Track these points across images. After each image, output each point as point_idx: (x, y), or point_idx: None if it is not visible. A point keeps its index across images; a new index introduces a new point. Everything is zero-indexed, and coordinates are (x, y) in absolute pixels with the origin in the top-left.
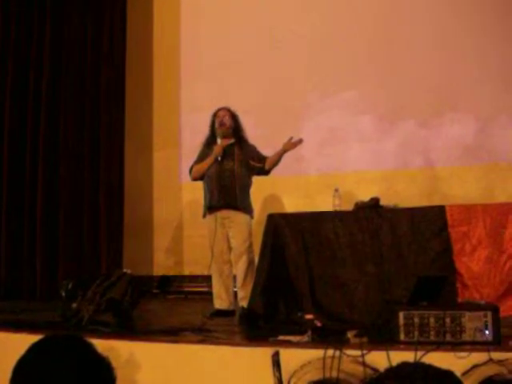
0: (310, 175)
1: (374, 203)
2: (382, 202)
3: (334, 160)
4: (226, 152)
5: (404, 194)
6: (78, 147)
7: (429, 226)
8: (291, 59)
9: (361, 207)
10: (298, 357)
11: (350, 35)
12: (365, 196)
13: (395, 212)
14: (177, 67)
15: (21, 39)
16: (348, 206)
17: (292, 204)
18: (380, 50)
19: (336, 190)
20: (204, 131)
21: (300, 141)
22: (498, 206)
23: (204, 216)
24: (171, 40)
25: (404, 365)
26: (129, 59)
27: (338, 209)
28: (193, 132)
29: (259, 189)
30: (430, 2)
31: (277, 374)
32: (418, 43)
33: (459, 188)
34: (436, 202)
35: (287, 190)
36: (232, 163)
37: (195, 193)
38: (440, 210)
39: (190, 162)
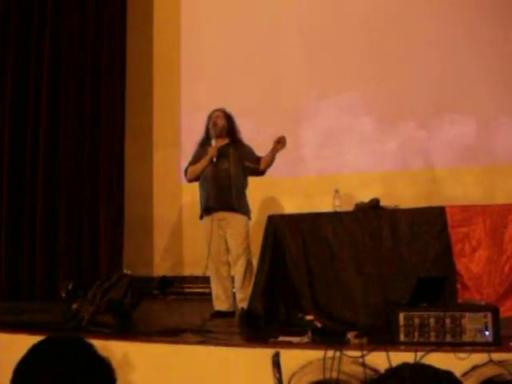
0: (310, 176)
1: (374, 204)
2: (382, 203)
3: (334, 161)
4: (221, 153)
5: (404, 195)
6: (78, 148)
7: (429, 226)
8: (291, 60)
9: (361, 208)
10: (298, 358)
11: (349, 36)
12: (365, 197)
13: (395, 213)
14: (177, 67)
15: (20, 38)
16: (348, 207)
17: (292, 205)
18: (380, 51)
19: (336, 191)
20: (204, 131)
21: (283, 138)
22: (497, 206)
23: (201, 217)
24: (171, 40)
25: (404, 366)
26: (129, 59)
27: (338, 210)
28: (193, 132)
29: (259, 190)
30: (430, 2)
31: (277, 374)
32: (417, 44)
33: (459, 189)
34: (436, 202)
35: (287, 191)
36: (227, 164)
37: (195, 193)
38: (440, 211)
39: None
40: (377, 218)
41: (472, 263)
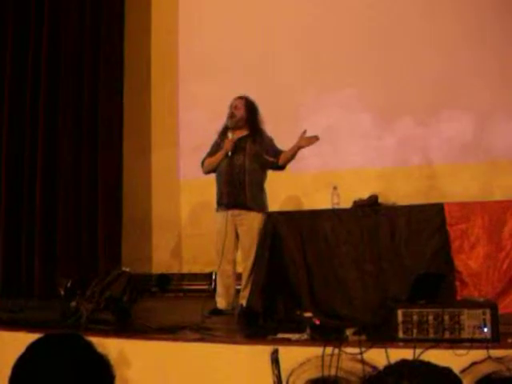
0: (308, 173)
1: (373, 201)
2: (381, 200)
3: (333, 158)
4: (237, 146)
5: (402, 192)
6: (76, 146)
7: (427, 223)
8: (289, 57)
9: (359, 205)
10: (296, 355)
11: (348, 33)
12: (363, 194)
13: (393, 210)
14: (175, 65)
15: (18, 40)
16: (346, 204)
17: (290, 202)
18: (378, 48)
19: (334, 188)
20: (202, 130)
21: (316, 138)
22: (496, 203)
23: (217, 211)
24: (169, 38)
25: (403, 362)
26: (127, 57)
27: (336, 207)
28: (191, 131)
29: None
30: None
31: (276, 371)
32: (415, 40)
33: (457, 186)
34: (434, 199)
35: (286, 188)
36: (243, 158)
37: (194, 191)
38: (438, 208)
39: (189, 161)
40: (375, 215)
41: (470, 260)
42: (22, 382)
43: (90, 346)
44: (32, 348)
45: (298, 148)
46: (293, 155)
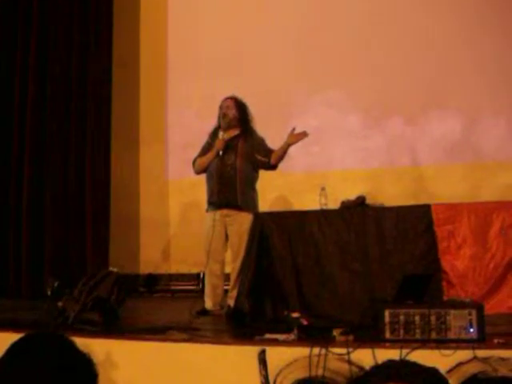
0: (296, 174)
1: (361, 202)
2: (368, 201)
3: (321, 158)
4: (229, 145)
5: (390, 193)
6: (64, 144)
7: (414, 224)
8: (278, 57)
9: (347, 206)
10: (284, 355)
11: (337, 33)
12: (351, 194)
13: (381, 211)
14: (164, 63)
15: (6, 39)
16: (334, 205)
17: (278, 202)
18: (367, 48)
19: (322, 189)
20: (190, 128)
21: (304, 134)
22: (482, 204)
23: (207, 211)
24: (158, 36)
25: (389, 362)
26: (115, 55)
27: (324, 207)
28: (179, 129)
29: None
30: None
31: (263, 372)
32: (404, 41)
33: (445, 186)
34: (422, 200)
35: (274, 189)
36: (234, 157)
37: (182, 190)
38: (426, 209)
39: (177, 159)
40: (363, 216)
41: (457, 261)
42: (3, 382)
43: (71, 344)
44: (12, 348)
45: (287, 145)
46: (284, 153)
